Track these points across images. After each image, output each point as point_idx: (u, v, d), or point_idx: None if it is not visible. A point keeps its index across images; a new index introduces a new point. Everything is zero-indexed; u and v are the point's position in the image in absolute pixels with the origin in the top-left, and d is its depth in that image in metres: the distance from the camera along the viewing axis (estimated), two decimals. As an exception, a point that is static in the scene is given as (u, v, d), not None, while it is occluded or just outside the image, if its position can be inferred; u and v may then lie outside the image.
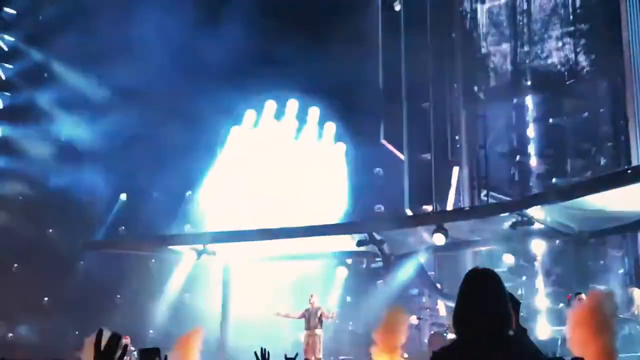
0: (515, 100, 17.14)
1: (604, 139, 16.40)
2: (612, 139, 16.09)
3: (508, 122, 17.26)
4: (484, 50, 17.52)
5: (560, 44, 16.31)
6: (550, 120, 16.88)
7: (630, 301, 13.49)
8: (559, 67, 16.20)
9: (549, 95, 16.92)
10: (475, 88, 17.46)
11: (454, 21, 17.96)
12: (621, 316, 12.63)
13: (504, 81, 17.14)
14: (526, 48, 16.67)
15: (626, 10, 14.39)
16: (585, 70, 15.87)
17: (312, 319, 12.76)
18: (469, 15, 17.69)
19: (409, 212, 17.30)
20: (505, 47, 17.04)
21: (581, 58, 15.91)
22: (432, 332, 15.47)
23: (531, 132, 16.96)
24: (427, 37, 17.34)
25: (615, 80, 15.38)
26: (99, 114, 17.62)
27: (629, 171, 13.36)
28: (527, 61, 16.71)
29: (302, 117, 19.13)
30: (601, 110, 16.25)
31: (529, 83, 16.79)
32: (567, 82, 16.35)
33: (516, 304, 3.42)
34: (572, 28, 16.33)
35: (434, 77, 17.23)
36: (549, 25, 16.46)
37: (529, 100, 16.97)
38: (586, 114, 16.51)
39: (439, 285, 16.91)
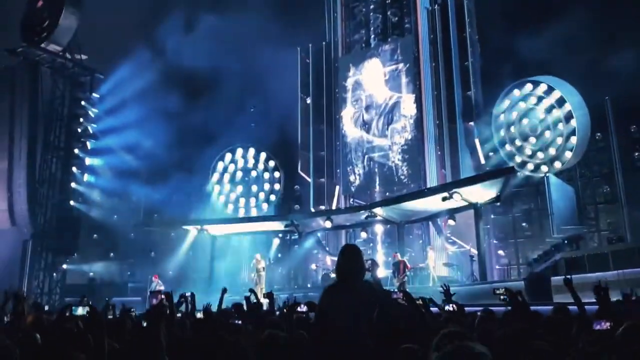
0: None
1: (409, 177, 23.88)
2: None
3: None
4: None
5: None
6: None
7: (427, 257, 19.73)
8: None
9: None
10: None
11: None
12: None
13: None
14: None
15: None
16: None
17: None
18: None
19: (313, 210, 24.86)
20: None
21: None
22: (324, 273, 20.81)
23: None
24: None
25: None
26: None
27: (425, 190, 19.49)
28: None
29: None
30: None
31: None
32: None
33: (376, 265, 6.23)
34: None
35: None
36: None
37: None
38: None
39: (327, 248, 23.60)
